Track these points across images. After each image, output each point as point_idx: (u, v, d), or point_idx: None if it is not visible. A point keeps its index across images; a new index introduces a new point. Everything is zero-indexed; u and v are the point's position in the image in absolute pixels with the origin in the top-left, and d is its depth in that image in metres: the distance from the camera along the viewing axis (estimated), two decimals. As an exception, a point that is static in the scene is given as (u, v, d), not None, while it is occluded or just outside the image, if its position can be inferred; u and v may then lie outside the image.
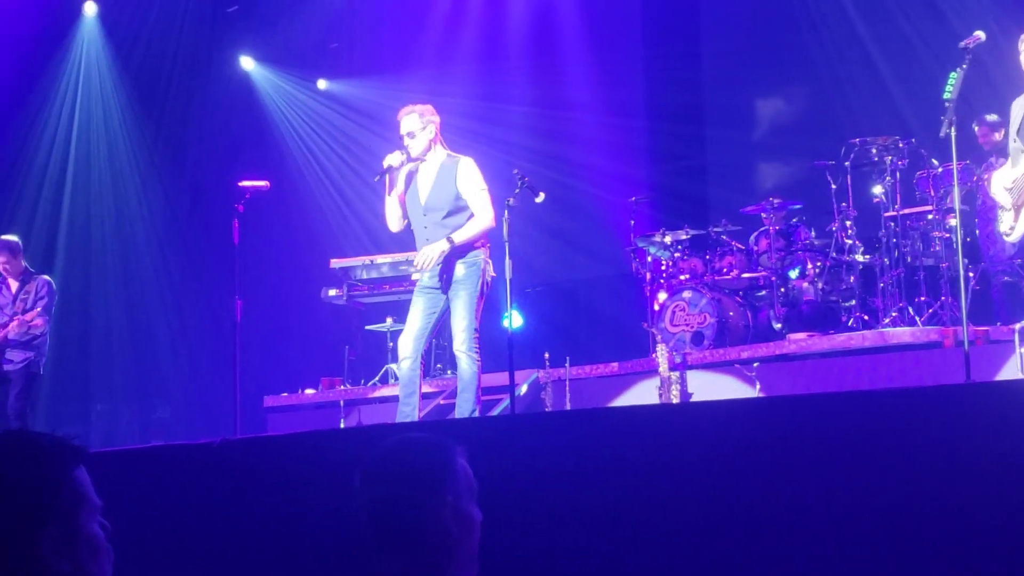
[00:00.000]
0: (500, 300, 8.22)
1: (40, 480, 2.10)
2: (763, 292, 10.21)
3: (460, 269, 7.23)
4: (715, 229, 10.52)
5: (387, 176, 7.36)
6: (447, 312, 7.36)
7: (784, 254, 9.99)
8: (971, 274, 9.01)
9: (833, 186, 9.73)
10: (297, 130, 14.72)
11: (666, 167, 13.18)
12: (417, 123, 7.30)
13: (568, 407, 9.36)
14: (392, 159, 7.30)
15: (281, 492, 5.08)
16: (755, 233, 10.29)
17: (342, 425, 10.22)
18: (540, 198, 7.58)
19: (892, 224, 9.44)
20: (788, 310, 9.88)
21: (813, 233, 10.09)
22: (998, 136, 9.09)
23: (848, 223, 9.68)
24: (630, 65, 13.58)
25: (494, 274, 7.38)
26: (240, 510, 5.15)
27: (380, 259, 11.36)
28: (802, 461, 4.08)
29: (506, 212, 7.36)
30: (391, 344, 10.89)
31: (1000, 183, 7.61)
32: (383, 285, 11.28)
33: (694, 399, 8.93)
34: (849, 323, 9.45)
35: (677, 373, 8.99)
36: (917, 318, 9.01)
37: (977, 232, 9.33)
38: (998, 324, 8.80)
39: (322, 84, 14.82)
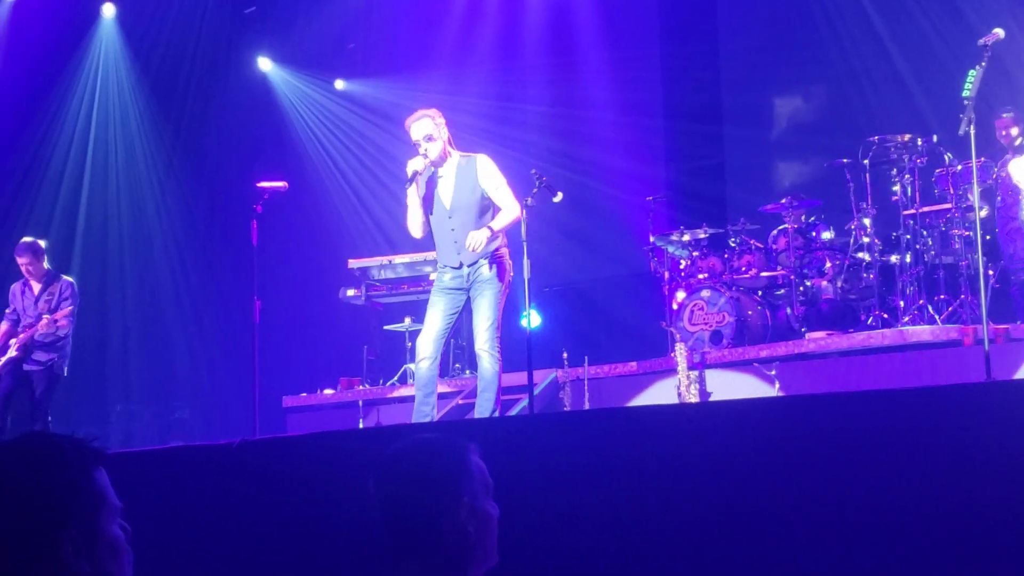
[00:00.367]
0: (519, 300, 8.23)
1: (60, 482, 2.10)
2: (782, 291, 10.19)
3: (485, 268, 7.24)
4: (733, 228, 10.50)
5: (415, 183, 7.33)
6: (463, 313, 7.38)
7: (803, 253, 9.96)
8: (990, 272, 8.97)
9: (852, 184, 9.70)
10: (314, 131, 14.75)
11: (684, 166, 13.15)
12: (432, 126, 7.30)
13: (587, 407, 9.36)
14: (416, 164, 7.27)
15: (300, 492, 5.08)
16: (774, 232, 10.26)
17: (361, 425, 10.25)
18: (558, 198, 7.58)
19: (911, 222, 9.40)
20: (807, 309, 9.85)
21: (832, 231, 10.05)
22: (1015, 131, 9.07)
23: (867, 221, 9.64)
24: (647, 64, 13.55)
25: (512, 273, 7.40)
26: (259, 510, 5.16)
27: (398, 259, 11.38)
28: (821, 460, 4.07)
29: (524, 212, 7.36)
30: (409, 344, 10.90)
31: (1021, 168, 7.57)
32: (401, 285, 11.30)
33: (713, 398, 8.92)
34: (868, 322, 9.42)
35: (696, 372, 8.98)
36: (936, 316, 8.97)
37: (996, 230, 9.29)
38: (1018, 322, 8.78)
39: (340, 84, 14.84)
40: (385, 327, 11.59)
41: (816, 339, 9.16)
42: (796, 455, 4.12)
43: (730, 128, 13.08)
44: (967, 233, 9.18)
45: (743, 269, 10.23)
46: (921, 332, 8.74)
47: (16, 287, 9.63)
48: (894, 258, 9.52)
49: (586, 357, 9.69)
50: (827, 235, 10.03)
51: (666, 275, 10.57)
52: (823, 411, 4.29)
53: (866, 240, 9.65)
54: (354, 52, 14.81)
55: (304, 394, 11.41)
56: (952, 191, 9.29)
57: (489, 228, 7.18)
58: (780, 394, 8.44)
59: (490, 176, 7.32)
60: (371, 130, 14.39)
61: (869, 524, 3.92)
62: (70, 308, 9.40)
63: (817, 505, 4.02)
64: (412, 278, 11.32)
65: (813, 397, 5.23)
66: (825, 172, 10.54)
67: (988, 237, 9.12)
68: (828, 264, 9.87)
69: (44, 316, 9.24)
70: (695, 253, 10.44)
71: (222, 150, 13.91)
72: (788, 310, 9.94)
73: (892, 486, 3.92)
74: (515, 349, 8.55)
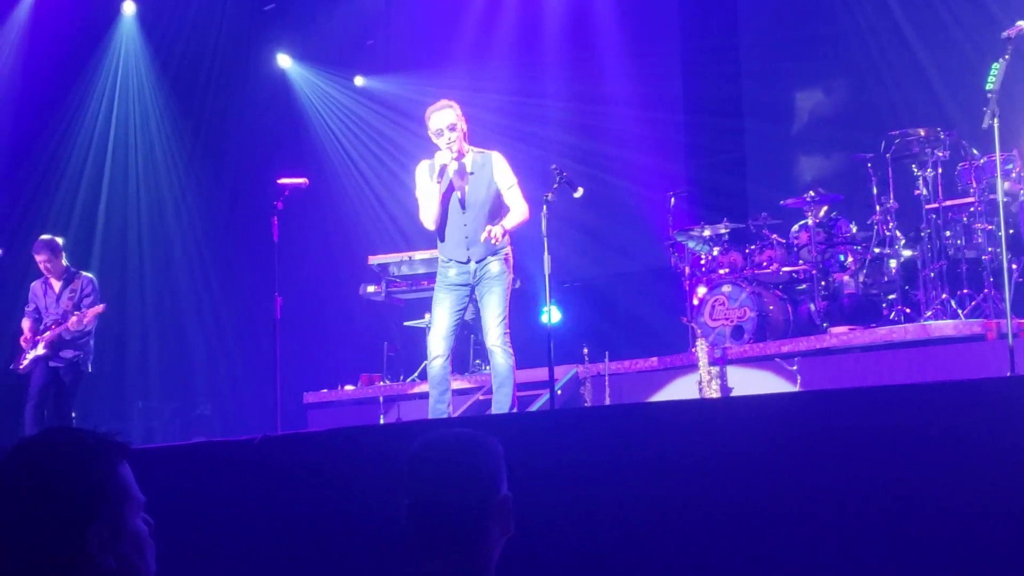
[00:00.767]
0: (539, 296, 8.22)
1: (86, 476, 2.11)
2: (803, 286, 10.14)
3: (494, 265, 7.26)
4: (755, 223, 10.47)
5: (443, 176, 7.33)
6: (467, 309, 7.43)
7: (825, 247, 9.91)
8: (1014, 266, 8.91)
9: (874, 178, 9.66)
10: (332, 128, 14.77)
11: (705, 161, 13.11)
12: (455, 116, 7.30)
13: (607, 402, 9.35)
14: (444, 157, 7.27)
15: (321, 488, 5.10)
16: (795, 226, 10.22)
17: (382, 421, 10.26)
18: (578, 193, 7.57)
19: (934, 216, 9.35)
20: (829, 304, 9.81)
21: (854, 226, 10.01)
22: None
23: (889, 216, 9.60)
24: (667, 59, 13.52)
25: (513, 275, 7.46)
26: (280, 506, 5.17)
27: (417, 255, 11.37)
28: (843, 456, 4.05)
29: (544, 208, 7.35)
30: (430, 340, 10.90)
31: None
32: (421, 281, 11.29)
33: (734, 394, 8.89)
34: (891, 316, 9.37)
35: (717, 368, 8.96)
36: (960, 311, 8.92)
37: (1020, 224, 9.22)
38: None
39: (359, 81, 14.85)
40: (405, 323, 11.60)
41: (838, 334, 9.12)
42: (818, 451, 4.10)
43: (751, 122, 13.04)
44: (990, 227, 9.13)
45: (764, 264, 10.20)
46: (944, 327, 8.69)
47: (37, 285, 9.67)
48: (916, 252, 9.47)
49: (607, 353, 9.68)
50: (849, 229, 9.98)
51: (687, 270, 10.54)
52: (845, 406, 4.27)
53: (888, 234, 9.61)
54: (373, 48, 14.82)
55: (325, 390, 11.43)
56: (975, 185, 9.23)
57: (503, 226, 7.20)
58: (801, 389, 8.41)
59: (505, 174, 7.35)
60: (389, 127, 14.41)
61: (892, 520, 3.90)
62: (101, 307, 9.45)
63: (839, 501, 4.00)
64: (432, 274, 11.25)
65: (835, 392, 5.20)
66: (847, 166, 10.50)
67: (1012, 231, 9.06)
68: (850, 259, 9.83)
69: (73, 314, 9.28)
70: (716, 248, 10.41)
71: (241, 147, 13.94)
72: (810, 305, 9.89)
73: (916, 482, 3.90)
74: (536, 345, 8.54)
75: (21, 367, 9.45)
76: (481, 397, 9.44)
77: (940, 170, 9.35)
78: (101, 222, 13.36)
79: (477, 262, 7.28)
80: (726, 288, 9.88)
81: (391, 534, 2.78)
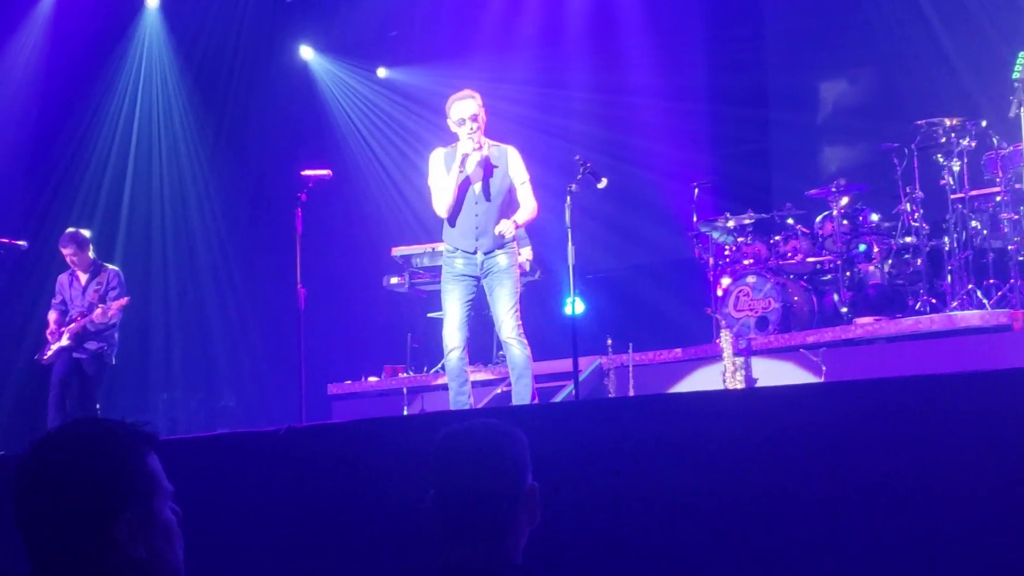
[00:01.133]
0: (563, 287, 8.21)
1: (116, 466, 2.12)
2: (828, 276, 10.10)
3: (503, 258, 7.29)
4: (779, 213, 10.43)
5: (464, 165, 7.35)
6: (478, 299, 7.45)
7: (850, 238, 9.87)
8: (1041, 256, 8.87)
9: (899, 169, 9.60)
10: (355, 120, 14.77)
11: (729, 151, 13.06)
12: (477, 107, 7.31)
13: (631, 393, 9.34)
14: (466, 147, 7.28)
15: (346, 478, 5.11)
16: (820, 217, 10.17)
17: (405, 412, 10.28)
18: (602, 184, 7.57)
19: (960, 206, 9.30)
20: (854, 294, 9.76)
21: (879, 216, 9.95)
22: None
23: (914, 206, 9.55)
24: (691, 48, 13.47)
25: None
26: (305, 497, 5.19)
27: (440, 247, 11.34)
28: (869, 446, 4.03)
29: (568, 198, 7.35)
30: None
31: None
32: (444, 273, 11.29)
33: (758, 385, 8.87)
34: (916, 307, 9.32)
35: (741, 359, 8.93)
36: (986, 301, 8.87)
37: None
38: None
39: (382, 72, 14.86)
40: (428, 315, 11.59)
41: (863, 325, 9.09)
42: (842, 442, 4.09)
43: (776, 112, 12.97)
44: (1016, 216, 9.08)
45: (789, 254, 10.16)
46: (970, 317, 8.65)
47: (64, 278, 9.73)
48: (942, 242, 9.42)
49: (630, 344, 9.66)
50: (874, 219, 9.92)
51: (711, 261, 10.51)
52: (870, 397, 4.25)
53: (914, 224, 9.56)
54: (396, 39, 14.81)
55: (349, 382, 11.46)
56: (1001, 174, 9.17)
57: (515, 221, 7.23)
58: (826, 381, 8.38)
59: (519, 169, 7.38)
60: (412, 119, 14.40)
61: (918, 511, 3.88)
62: (126, 300, 9.48)
63: (864, 493, 3.98)
64: (456, 266, 11.31)
65: (859, 383, 5.17)
66: (872, 156, 10.44)
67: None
68: (875, 249, 9.78)
69: (98, 306, 9.32)
70: (740, 239, 10.37)
71: (264, 139, 13.96)
72: (835, 296, 9.85)
73: (942, 473, 3.88)
74: (559, 336, 8.54)
75: (45, 358, 9.51)
76: (501, 390, 9.44)
77: (966, 160, 9.30)
78: (125, 215, 13.40)
79: (485, 254, 7.30)
80: (750, 279, 9.85)
81: (415, 524, 2.78)
